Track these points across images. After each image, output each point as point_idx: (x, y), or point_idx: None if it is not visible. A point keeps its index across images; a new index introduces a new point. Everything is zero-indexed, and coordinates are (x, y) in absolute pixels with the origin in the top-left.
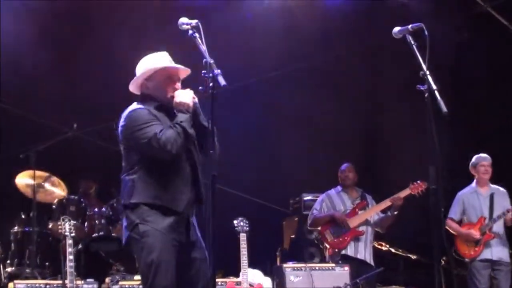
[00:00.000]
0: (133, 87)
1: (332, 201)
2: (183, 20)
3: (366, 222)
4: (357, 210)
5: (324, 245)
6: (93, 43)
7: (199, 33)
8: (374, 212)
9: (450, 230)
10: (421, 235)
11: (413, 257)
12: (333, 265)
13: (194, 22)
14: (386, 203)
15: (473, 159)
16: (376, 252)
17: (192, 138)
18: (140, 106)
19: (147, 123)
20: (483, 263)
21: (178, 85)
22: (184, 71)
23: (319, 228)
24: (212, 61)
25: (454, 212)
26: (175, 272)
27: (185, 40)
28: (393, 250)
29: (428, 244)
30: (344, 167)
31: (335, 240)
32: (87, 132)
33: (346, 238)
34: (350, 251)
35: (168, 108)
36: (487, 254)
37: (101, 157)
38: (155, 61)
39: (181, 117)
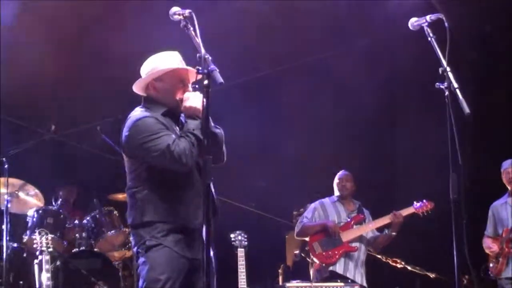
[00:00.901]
0: (138, 88)
1: (326, 210)
2: (175, 9)
3: (360, 239)
4: (352, 223)
5: (311, 258)
6: (74, 40)
7: (193, 25)
8: (371, 228)
9: (485, 250)
10: (440, 250)
11: (432, 275)
12: (342, 284)
13: (187, 12)
14: (385, 220)
15: (501, 165)
16: (391, 270)
17: (205, 146)
18: (146, 113)
19: (157, 133)
20: (509, 281)
21: (190, 89)
22: (192, 75)
23: (307, 239)
24: (207, 56)
25: (488, 227)
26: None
27: (171, 34)
28: (409, 268)
29: (449, 261)
30: (341, 175)
31: (324, 253)
32: (67, 135)
33: (336, 252)
34: (339, 268)
35: (175, 113)
36: (508, 271)
37: (82, 162)
38: (167, 60)
39: (192, 124)
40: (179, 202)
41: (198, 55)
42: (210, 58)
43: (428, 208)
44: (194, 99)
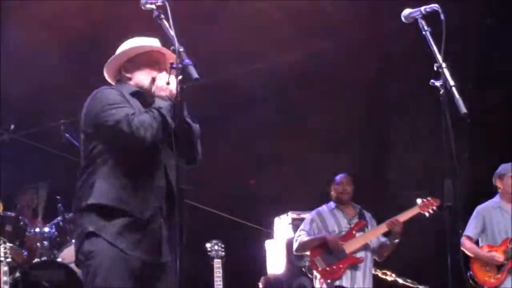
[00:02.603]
0: (111, 68)
1: (324, 220)
2: None
3: (365, 247)
4: (354, 231)
5: (314, 275)
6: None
7: (166, 15)
8: (375, 235)
9: (466, 251)
10: (434, 262)
11: None
12: None
13: (159, 0)
14: (383, 228)
15: (500, 169)
16: (380, 283)
17: (170, 128)
18: (110, 87)
19: (116, 104)
20: None
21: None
22: (171, 58)
23: (308, 253)
24: (182, 49)
25: (472, 229)
26: None
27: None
28: (400, 281)
29: (442, 273)
30: (340, 178)
31: (328, 268)
32: (28, 135)
33: (341, 266)
34: (345, 281)
35: (146, 98)
36: (508, 283)
37: (44, 165)
38: (144, 41)
39: (160, 103)
40: (132, 189)
41: (172, 48)
42: (184, 51)
43: (434, 206)
44: (166, 79)
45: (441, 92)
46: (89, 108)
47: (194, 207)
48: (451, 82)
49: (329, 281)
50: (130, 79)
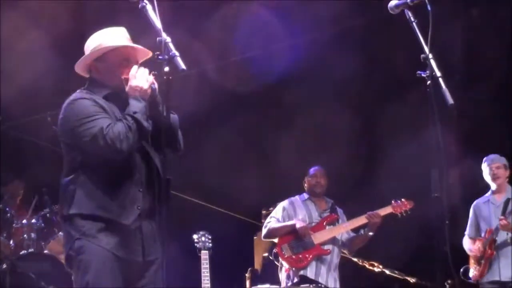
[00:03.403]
0: (80, 68)
1: (295, 210)
2: None
3: (334, 241)
4: (324, 224)
5: (280, 262)
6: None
7: (152, 5)
8: (345, 229)
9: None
10: (421, 253)
11: (412, 280)
12: None
13: None
14: (362, 220)
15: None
16: (368, 274)
17: (147, 132)
18: (84, 95)
19: (91, 116)
20: (491, 286)
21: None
22: (143, 53)
23: (276, 241)
24: (168, 40)
25: (469, 227)
26: None
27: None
28: (387, 272)
29: (430, 264)
30: (314, 170)
31: (294, 256)
32: (14, 126)
33: (307, 255)
34: (310, 272)
35: (121, 98)
36: (495, 274)
37: (31, 155)
38: (110, 38)
39: (135, 106)
40: (112, 195)
41: (158, 39)
42: (170, 42)
43: (407, 208)
44: (140, 78)
45: (428, 83)
46: (65, 120)
47: (181, 198)
48: (438, 73)
49: (294, 269)
50: (101, 79)
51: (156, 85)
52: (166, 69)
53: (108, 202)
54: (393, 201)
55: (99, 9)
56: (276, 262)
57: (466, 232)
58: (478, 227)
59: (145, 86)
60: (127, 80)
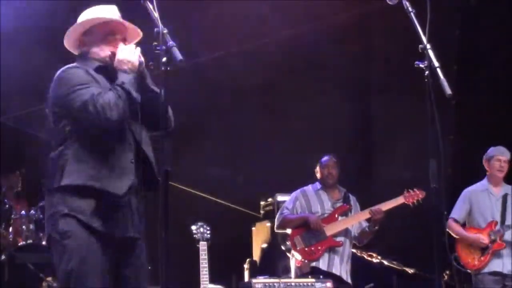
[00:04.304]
0: (69, 43)
1: (308, 200)
2: None
3: (346, 232)
4: (337, 215)
5: (292, 253)
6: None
7: None
8: (356, 221)
9: (452, 233)
10: (419, 244)
11: (410, 270)
12: (313, 280)
13: None
14: (365, 214)
15: (489, 151)
16: (366, 265)
17: (136, 103)
18: (76, 65)
19: (82, 84)
20: (493, 277)
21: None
22: (132, 33)
23: (288, 232)
24: (165, 31)
25: (459, 212)
26: (106, 279)
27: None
28: (385, 263)
29: (428, 255)
30: (326, 160)
31: (306, 248)
32: (11, 118)
33: (319, 248)
34: (322, 264)
35: (111, 71)
36: (497, 265)
37: (30, 147)
38: (97, 13)
39: (124, 77)
40: (103, 166)
41: (155, 29)
42: (167, 32)
43: (419, 198)
44: (127, 52)
45: (425, 74)
46: (57, 87)
47: (179, 189)
48: (436, 63)
49: (306, 261)
50: (89, 53)
51: (142, 59)
52: (163, 59)
53: (100, 172)
54: (405, 191)
55: (98, 2)
56: (288, 254)
57: (455, 216)
58: (470, 214)
59: (133, 59)
60: (114, 54)
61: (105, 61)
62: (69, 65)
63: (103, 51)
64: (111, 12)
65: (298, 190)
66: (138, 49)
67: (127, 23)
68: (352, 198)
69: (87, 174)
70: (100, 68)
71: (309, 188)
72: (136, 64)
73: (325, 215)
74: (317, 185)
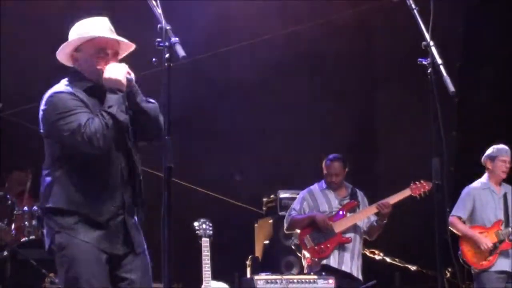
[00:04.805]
0: (62, 59)
1: (315, 199)
2: None
3: (355, 228)
4: (345, 212)
5: (302, 253)
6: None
7: None
8: (365, 216)
9: (456, 231)
10: (421, 241)
11: (412, 268)
12: (315, 277)
13: None
14: (373, 209)
15: (492, 150)
16: (368, 262)
17: (125, 126)
18: (64, 88)
19: (70, 111)
20: (499, 275)
21: (113, 61)
22: (125, 46)
23: (298, 232)
24: (168, 27)
25: (462, 210)
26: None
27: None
28: (388, 260)
29: (430, 252)
30: (330, 163)
31: (316, 247)
32: (16, 113)
33: (329, 245)
34: (333, 261)
35: (102, 91)
36: (504, 265)
37: (31, 143)
38: (88, 28)
39: (110, 100)
40: (84, 191)
41: (158, 26)
42: (171, 29)
43: (426, 189)
44: (114, 70)
45: (428, 71)
46: (45, 113)
47: (182, 186)
48: (439, 61)
49: (316, 259)
50: (81, 71)
51: (132, 76)
52: (166, 56)
53: (83, 199)
54: (412, 183)
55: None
56: (298, 253)
57: (459, 214)
58: (476, 214)
59: (119, 77)
60: (103, 71)
61: (96, 80)
62: (58, 86)
63: (94, 69)
64: (101, 25)
65: (305, 190)
66: (126, 66)
67: (118, 38)
68: (360, 194)
69: (70, 199)
70: (91, 88)
71: (315, 187)
72: (124, 82)
73: (333, 212)
74: (323, 184)
